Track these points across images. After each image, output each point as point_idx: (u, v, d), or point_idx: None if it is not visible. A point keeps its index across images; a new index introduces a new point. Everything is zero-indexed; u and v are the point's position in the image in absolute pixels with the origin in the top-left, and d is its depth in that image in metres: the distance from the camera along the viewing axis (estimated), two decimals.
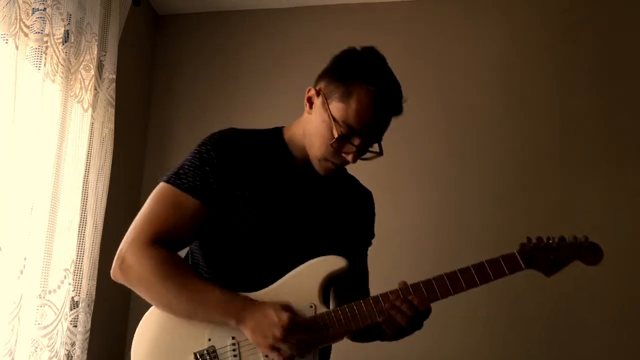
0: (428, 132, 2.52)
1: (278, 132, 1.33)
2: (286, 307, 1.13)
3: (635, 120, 2.39)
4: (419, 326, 1.19)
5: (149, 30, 2.84)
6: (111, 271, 1.19)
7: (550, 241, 1.19)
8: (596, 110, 2.43)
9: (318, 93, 1.23)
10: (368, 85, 1.17)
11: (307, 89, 1.25)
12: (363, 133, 1.18)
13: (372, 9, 2.69)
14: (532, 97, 2.49)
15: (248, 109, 2.67)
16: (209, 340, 1.16)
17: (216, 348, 1.15)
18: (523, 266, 1.17)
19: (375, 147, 1.26)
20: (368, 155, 1.25)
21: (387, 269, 2.30)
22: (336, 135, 1.17)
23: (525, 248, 1.19)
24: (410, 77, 2.57)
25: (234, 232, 1.22)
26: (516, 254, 1.18)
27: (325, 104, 1.20)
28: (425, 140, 2.52)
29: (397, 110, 1.23)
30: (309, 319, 1.15)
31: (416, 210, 2.44)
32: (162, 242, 1.17)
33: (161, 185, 1.22)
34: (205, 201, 1.19)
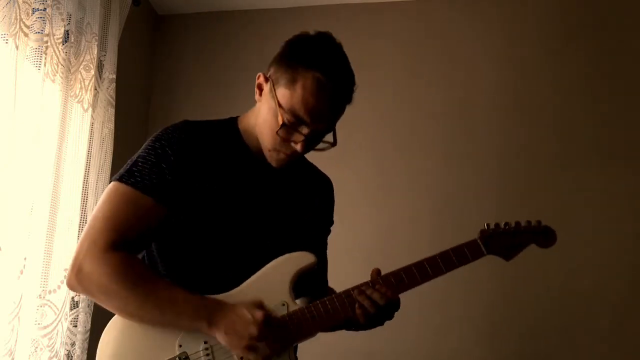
0: (425, 132, 2.52)
1: (233, 122, 1.28)
2: (259, 305, 1.09)
3: (633, 121, 2.39)
4: (389, 317, 1.19)
5: (149, 30, 2.83)
6: (67, 280, 1.11)
7: (507, 227, 1.23)
8: (594, 111, 2.43)
9: (267, 79, 1.17)
10: (313, 71, 1.10)
11: (257, 75, 1.20)
12: (310, 122, 1.12)
13: (372, 9, 2.69)
14: (530, 98, 2.49)
15: (248, 109, 2.67)
16: (180, 346, 1.10)
17: (188, 354, 1.09)
18: (485, 252, 1.20)
19: (330, 137, 1.20)
20: (321, 145, 1.19)
21: (381, 267, 2.30)
22: (280, 122, 1.11)
23: (485, 234, 1.21)
24: (408, 77, 2.59)
25: (192, 231, 1.16)
26: (477, 240, 1.21)
27: (273, 90, 1.14)
28: (422, 140, 2.52)
29: (346, 97, 1.16)
30: (282, 316, 1.12)
31: (412, 211, 2.44)
32: (120, 246, 1.09)
33: (114, 184, 1.13)
34: (162, 200, 1.12)
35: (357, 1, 2.70)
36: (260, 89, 1.20)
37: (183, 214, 1.15)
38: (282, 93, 1.13)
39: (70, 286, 1.12)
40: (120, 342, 1.11)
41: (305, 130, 1.13)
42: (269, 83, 1.16)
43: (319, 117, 1.13)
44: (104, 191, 1.15)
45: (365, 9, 2.70)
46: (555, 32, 2.54)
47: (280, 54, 1.20)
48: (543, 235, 1.24)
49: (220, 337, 1.08)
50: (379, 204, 2.44)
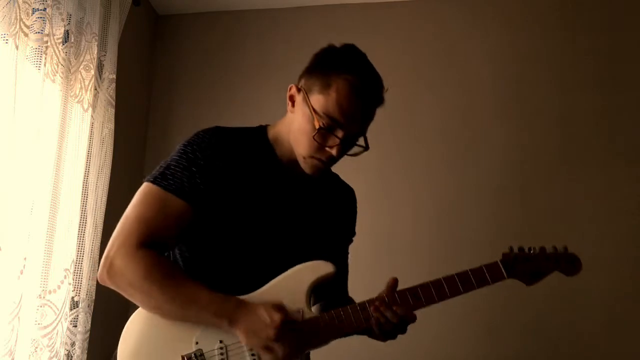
0: (426, 131, 2.52)
1: (262, 130, 1.31)
2: (278, 307, 1.12)
3: (634, 119, 2.39)
4: (403, 331, 1.21)
5: (149, 30, 2.83)
6: (98, 275, 1.17)
7: (532, 251, 1.22)
8: (596, 109, 2.43)
9: (299, 90, 1.22)
10: (346, 75, 1.16)
11: (289, 87, 1.24)
12: (345, 124, 1.16)
13: (372, 9, 2.69)
14: (531, 97, 2.49)
15: (248, 109, 2.67)
16: (197, 343, 1.14)
17: (204, 351, 1.14)
18: (505, 276, 1.20)
19: (361, 141, 1.23)
20: (355, 150, 1.23)
21: (383, 269, 2.30)
22: (317, 127, 1.15)
23: (507, 257, 1.21)
24: (408, 77, 2.59)
25: (218, 235, 1.21)
26: (499, 263, 1.20)
27: (306, 98, 1.19)
28: (423, 139, 2.52)
29: (378, 99, 1.22)
30: (299, 321, 1.15)
31: (413, 210, 2.44)
32: (150, 244, 1.15)
33: (147, 185, 1.19)
34: (192, 203, 1.17)
35: (357, 1, 2.70)
36: (292, 100, 1.24)
37: (210, 217, 1.19)
38: (316, 99, 1.18)
39: (102, 280, 1.17)
40: (142, 333, 1.16)
41: (340, 133, 1.17)
42: (301, 93, 1.21)
43: (353, 118, 1.17)
44: (137, 191, 1.20)
45: (365, 9, 2.70)
46: (556, 31, 2.54)
47: (310, 65, 1.25)
48: (568, 263, 1.22)
49: (240, 335, 1.13)
50: (379, 205, 2.44)
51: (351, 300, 1.27)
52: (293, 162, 1.25)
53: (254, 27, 2.78)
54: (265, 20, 2.77)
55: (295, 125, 1.22)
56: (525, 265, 1.21)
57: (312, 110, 1.17)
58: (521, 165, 2.43)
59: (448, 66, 2.59)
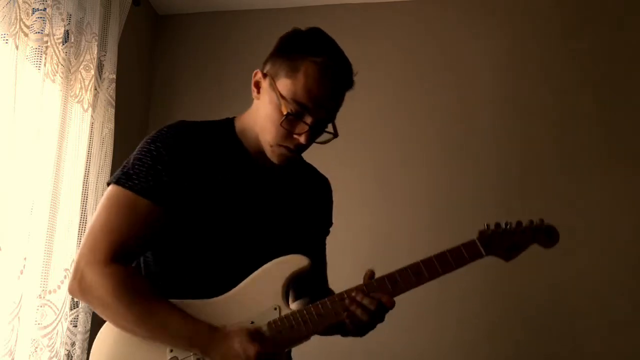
0: (425, 132, 2.52)
1: (229, 123, 1.26)
2: (253, 337, 1.07)
3: (633, 121, 2.39)
4: (381, 319, 1.15)
5: (149, 30, 2.84)
6: (68, 286, 1.12)
7: (508, 226, 1.18)
8: (595, 111, 2.43)
9: (265, 75, 1.17)
10: (313, 57, 1.11)
11: (254, 73, 1.19)
12: (314, 109, 1.11)
13: (372, 9, 2.69)
14: (528, 98, 2.49)
15: (248, 109, 2.67)
16: (171, 351, 1.10)
17: (179, 359, 1.10)
18: (483, 253, 1.16)
19: (330, 128, 1.18)
20: (324, 137, 1.18)
21: (381, 268, 2.30)
22: (285, 112, 1.10)
23: (484, 234, 1.17)
24: (407, 77, 2.59)
25: (188, 232, 1.15)
26: (476, 240, 1.17)
27: (273, 83, 1.14)
28: (422, 139, 2.52)
29: (348, 82, 1.16)
30: (277, 339, 1.11)
31: (411, 210, 2.44)
32: (121, 254, 1.10)
33: (112, 188, 1.13)
34: (160, 202, 1.11)
35: (357, 1, 2.70)
36: (258, 86, 1.20)
37: (179, 215, 1.14)
38: (284, 84, 1.12)
39: (71, 292, 1.13)
40: (114, 344, 1.12)
41: (309, 119, 1.12)
42: (267, 78, 1.16)
43: (322, 103, 1.12)
44: (103, 195, 1.15)
45: (365, 9, 2.69)
46: (556, 32, 2.54)
47: (275, 49, 1.20)
48: (545, 234, 1.18)
49: None
50: (377, 205, 2.44)
51: (331, 293, 1.23)
52: (262, 152, 1.20)
53: (254, 27, 2.78)
54: (265, 20, 2.77)
55: (262, 113, 1.17)
56: (502, 241, 1.17)
57: (279, 96, 1.12)
58: (518, 165, 2.43)
59: (447, 66, 2.58)
